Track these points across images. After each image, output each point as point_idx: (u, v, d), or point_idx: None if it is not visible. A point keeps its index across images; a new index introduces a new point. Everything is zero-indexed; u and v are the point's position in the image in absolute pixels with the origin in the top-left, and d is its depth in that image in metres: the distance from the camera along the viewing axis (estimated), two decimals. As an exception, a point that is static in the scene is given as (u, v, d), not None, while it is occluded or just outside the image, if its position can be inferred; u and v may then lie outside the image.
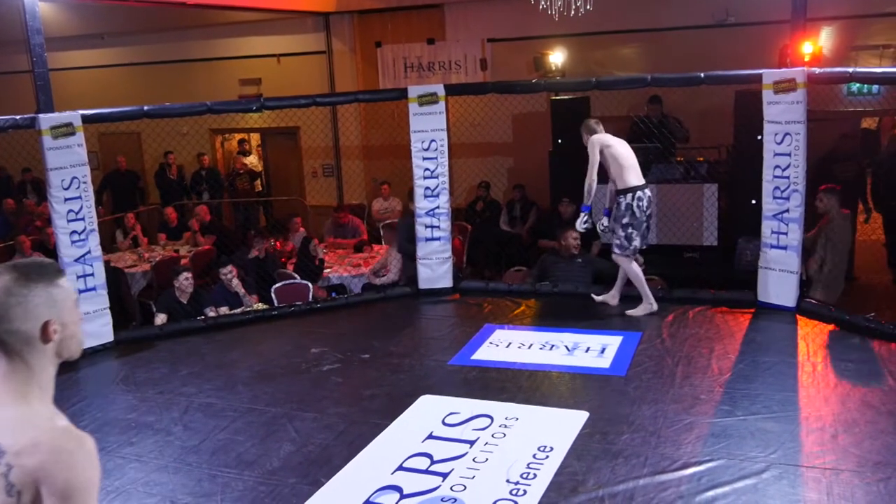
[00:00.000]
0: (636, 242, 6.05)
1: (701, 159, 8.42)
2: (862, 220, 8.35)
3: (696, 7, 9.46)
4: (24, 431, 1.56)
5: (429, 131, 6.98)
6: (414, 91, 7.02)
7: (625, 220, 6.02)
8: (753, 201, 6.62)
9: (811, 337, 5.64)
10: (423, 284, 7.17)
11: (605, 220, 6.23)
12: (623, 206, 6.01)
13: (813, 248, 6.35)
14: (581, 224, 6.21)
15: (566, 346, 5.64)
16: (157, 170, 12.04)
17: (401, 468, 4.00)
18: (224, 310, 6.91)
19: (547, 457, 3.99)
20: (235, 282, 7.07)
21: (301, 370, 5.48)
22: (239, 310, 6.96)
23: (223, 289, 7.10)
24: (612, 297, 6.39)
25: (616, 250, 6.12)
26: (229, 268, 7.13)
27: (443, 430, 4.41)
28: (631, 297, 6.28)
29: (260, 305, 7.16)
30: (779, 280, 6.15)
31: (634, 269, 6.17)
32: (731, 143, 8.43)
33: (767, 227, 6.19)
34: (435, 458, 4.08)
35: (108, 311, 6.22)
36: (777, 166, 6.05)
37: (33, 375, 1.64)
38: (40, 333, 1.64)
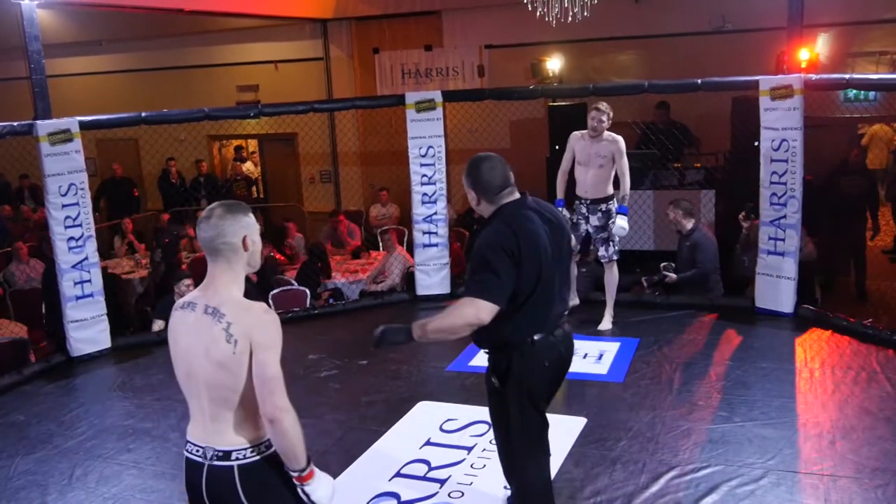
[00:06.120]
0: None
1: (698, 165, 8.43)
2: (868, 237, 8.27)
3: (694, 14, 9.48)
4: (237, 305, 2.37)
5: (426, 137, 7.00)
6: (411, 97, 7.05)
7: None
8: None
9: (809, 343, 5.64)
10: (420, 291, 7.17)
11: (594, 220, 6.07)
12: (613, 212, 5.94)
13: None
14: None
15: (564, 353, 5.62)
16: (159, 175, 12.04)
17: (398, 475, 4.00)
18: None
19: (545, 463, 3.98)
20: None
21: (299, 376, 5.46)
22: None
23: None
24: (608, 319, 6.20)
25: (615, 256, 6.02)
26: (188, 281, 6.54)
27: (440, 436, 4.41)
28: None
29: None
30: (776, 286, 6.16)
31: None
32: (729, 149, 8.44)
33: (765, 233, 6.21)
34: (433, 465, 4.08)
35: (106, 317, 6.22)
36: (774, 172, 6.07)
37: (236, 275, 2.43)
38: (242, 244, 2.40)
